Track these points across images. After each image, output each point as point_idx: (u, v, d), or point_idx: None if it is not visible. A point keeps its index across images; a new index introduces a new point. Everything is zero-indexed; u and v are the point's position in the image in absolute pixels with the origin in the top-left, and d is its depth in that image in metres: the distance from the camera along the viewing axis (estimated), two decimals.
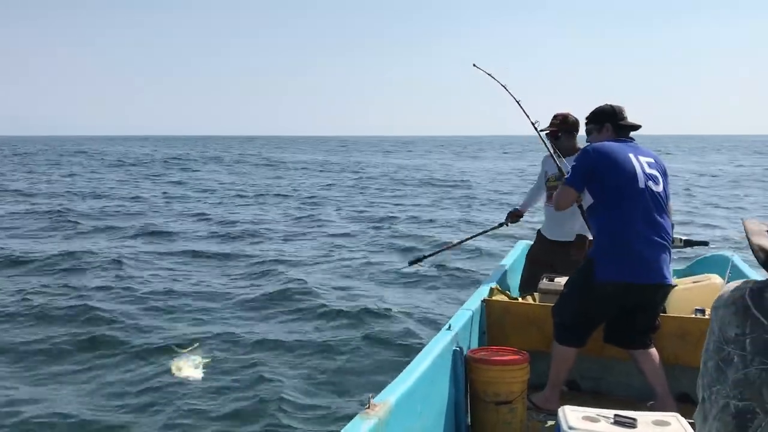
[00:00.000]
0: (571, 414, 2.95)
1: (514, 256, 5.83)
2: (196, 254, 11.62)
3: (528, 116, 5.04)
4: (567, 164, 4.69)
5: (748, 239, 2.08)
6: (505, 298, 4.61)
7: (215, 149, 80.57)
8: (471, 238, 6.33)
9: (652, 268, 3.77)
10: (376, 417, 2.50)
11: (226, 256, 11.45)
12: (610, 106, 4.09)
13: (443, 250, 6.49)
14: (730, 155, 62.98)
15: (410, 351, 5.90)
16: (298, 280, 9.30)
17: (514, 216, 5.55)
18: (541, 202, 5.54)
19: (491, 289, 4.60)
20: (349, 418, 2.50)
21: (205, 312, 7.78)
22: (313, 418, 4.97)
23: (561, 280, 4.39)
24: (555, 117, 5.17)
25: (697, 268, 5.77)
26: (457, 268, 10.22)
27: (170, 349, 6.38)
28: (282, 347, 6.53)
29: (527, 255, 5.50)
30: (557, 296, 4.15)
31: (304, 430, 4.81)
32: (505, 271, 5.41)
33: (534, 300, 4.67)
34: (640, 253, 3.75)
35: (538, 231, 5.43)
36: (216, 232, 14.55)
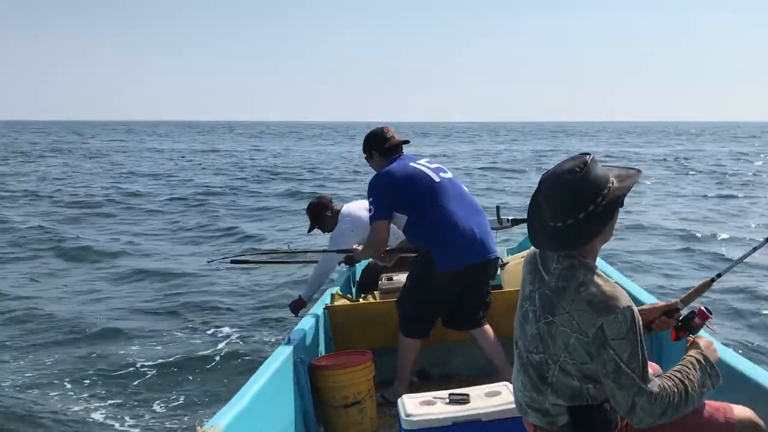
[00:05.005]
0: (408, 402, 3.01)
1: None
2: None
3: None
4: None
5: None
6: (347, 302, 4.63)
7: None
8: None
9: (482, 245, 3.99)
10: None
11: None
12: (372, 132, 4.22)
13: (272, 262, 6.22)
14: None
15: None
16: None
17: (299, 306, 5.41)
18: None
19: (332, 295, 4.63)
20: None
21: None
22: None
23: (400, 278, 4.47)
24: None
25: (527, 243, 6.06)
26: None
27: None
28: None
29: (360, 279, 5.52)
30: (398, 293, 4.22)
31: None
32: (348, 275, 5.45)
33: (375, 299, 4.72)
34: (469, 236, 3.94)
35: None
36: None
